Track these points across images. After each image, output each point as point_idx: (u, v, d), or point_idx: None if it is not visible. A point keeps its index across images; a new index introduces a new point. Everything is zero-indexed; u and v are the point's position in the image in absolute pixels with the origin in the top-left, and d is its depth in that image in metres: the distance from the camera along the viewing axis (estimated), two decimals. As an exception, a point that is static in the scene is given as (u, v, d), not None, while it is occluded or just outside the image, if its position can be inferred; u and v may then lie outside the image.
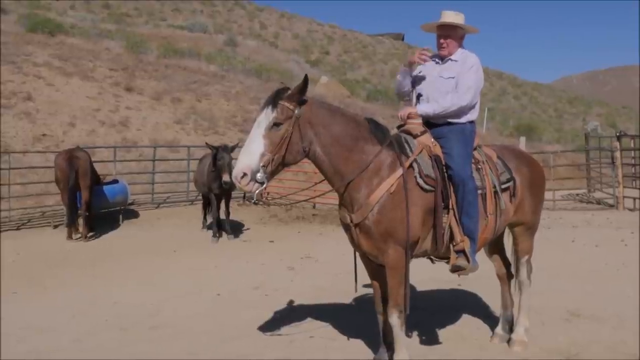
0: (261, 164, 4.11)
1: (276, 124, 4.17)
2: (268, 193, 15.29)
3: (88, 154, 12.47)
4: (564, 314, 6.34)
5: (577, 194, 18.27)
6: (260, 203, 4.26)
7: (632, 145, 17.67)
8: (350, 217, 4.43)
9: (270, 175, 4.21)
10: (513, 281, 5.63)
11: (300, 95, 4.26)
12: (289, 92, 4.27)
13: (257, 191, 4.15)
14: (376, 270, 4.76)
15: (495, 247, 5.68)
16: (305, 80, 4.28)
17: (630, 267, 8.38)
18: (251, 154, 4.13)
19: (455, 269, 4.70)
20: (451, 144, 4.72)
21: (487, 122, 34.50)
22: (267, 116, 4.19)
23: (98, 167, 13.44)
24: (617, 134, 16.41)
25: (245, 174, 4.09)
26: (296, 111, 4.22)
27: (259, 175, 4.10)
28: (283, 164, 4.27)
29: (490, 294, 6.47)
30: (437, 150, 4.66)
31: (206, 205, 13.22)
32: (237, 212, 14.78)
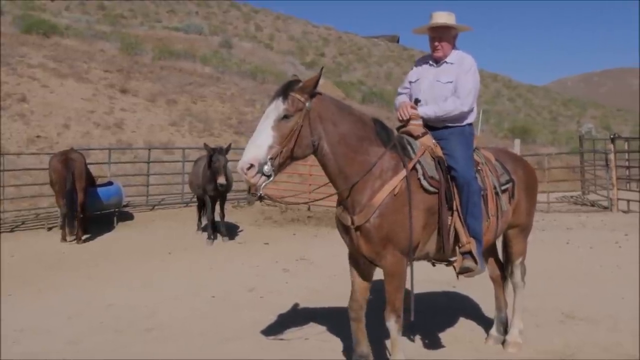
0: (269, 157, 3.96)
1: (286, 116, 4.04)
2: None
3: (83, 155, 12.44)
4: (558, 315, 6.37)
5: (572, 196, 18.36)
6: (265, 198, 4.11)
7: (626, 147, 17.75)
8: (351, 219, 4.35)
9: (278, 168, 4.05)
10: (506, 283, 5.65)
11: (314, 88, 4.16)
12: (302, 84, 4.16)
13: (263, 184, 3.99)
14: (363, 274, 4.71)
15: (489, 250, 5.67)
16: (320, 73, 4.21)
17: (624, 269, 8.42)
18: (259, 146, 3.97)
19: (463, 271, 4.67)
20: (453, 145, 4.70)
21: (481, 124, 34.52)
22: (277, 107, 4.06)
23: (93, 169, 13.43)
24: (612, 137, 16.48)
25: (252, 165, 3.92)
26: (307, 104, 4.11)
27: (266, 168, 3.94)
28: (292, 158, 4.13)
29: (484, 296, 6.49)
30: (439, 152, 4.64)
31: (201, 207, 13.20)
32: (232, 214, 14.78)
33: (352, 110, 4.48)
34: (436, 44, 4.85)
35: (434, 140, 4.69)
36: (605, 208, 15.48)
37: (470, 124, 4.92)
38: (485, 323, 6.08)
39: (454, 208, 4.56)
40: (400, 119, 4.83)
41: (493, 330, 5.66)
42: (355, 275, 4.74)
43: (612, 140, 16.05)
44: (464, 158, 4.67)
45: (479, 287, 6.85)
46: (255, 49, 46.13)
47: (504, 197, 5.00)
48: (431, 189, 4.43)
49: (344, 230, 4.52)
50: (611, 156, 15.65)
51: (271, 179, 3.99)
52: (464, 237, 4.58)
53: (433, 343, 5.61)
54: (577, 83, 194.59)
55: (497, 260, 5.75)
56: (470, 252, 4.60)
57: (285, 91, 4.11)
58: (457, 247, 4.65)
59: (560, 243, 10.85)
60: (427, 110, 4.75)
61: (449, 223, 4.55)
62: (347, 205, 4.38)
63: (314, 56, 55.26)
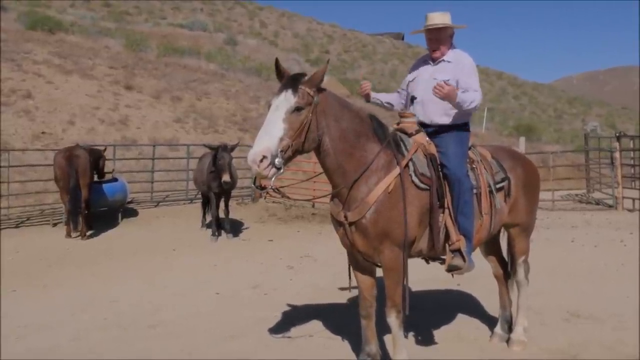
0: (280, 149, 3.92)
1: (298, 108, 4.01)
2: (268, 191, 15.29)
3: (87, 151, 12.45)
4: (563, 314, 6.35)
5: (577, 195, 18.30)
6: (275, 191, 4.07)
7: (631, 145, 17.69)
8: (345, 214, 4.35)
9: (286, 161, 3.99)
10: (510, 281, 5.63)
11: (321, 81, 4.15)
12: (308, 77, 4.14)
13: (274, 177, 3.92)
14: (365, 270, 4.71)
15: (492, 248, 5.68)
16: (327, 65, 4.20)
17: (629, 268, 8.40)
18: (271, 137, 3.90)
19: (451, 269, 4.67)
20: (446, 143, 4.70)
21: (486, 122, 34.51)
22: (287, 99, 4.02)
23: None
24: (617, 135, 16.42)
25: (265, 157, 3.83)
26: (315, 98, 4.09)
27: (277, 160, 3.88)
28: (301, 151, 4.11)
29: (488, 294, 6.47)
30: (432, 149, 4.64)
31: (205, 204, 13.22)
32: (237, 211, 14.79)
33: (350, 106, 4.48)
34: (433, 44, 4.87)
35: (427, 138, 4.70)
36: (610, 206, 15.44)
37: (466, 123, 4.92)
38: (490, 321, 6.06)
39: (446, 205, 4.56)
40: (360, 91, 4.99)
41: (497, 329, 5.65)
42: (358, 273, 4.75)
43: (618, 139, 16.00)
44: (457, 155, 4.67)
45: (483, 286, 6.84)
46: (259, 46, 46.19)
47: (499, 196, 4.99)
48: (422, 185, 4.42)
49: (338, 224, 4.51)
50: (616, 154, 15.60)
51: (281, 171, 3.93)
52: (454, 234, 4.58)
53: (437, 341, 5.60)
54: (582, 81, 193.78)
55: (500, 258, 5.73)
56: (459, 250, 4.59)
57: (295, 83, 4.08)
58: (447, 245, 4.64)
59: (565, 241, 10.83)
60: (464, 97, 4.61)
61: (440, 220, 4.55)
62: (342, 200, 4.38)
63: (318, 53, 55.27)
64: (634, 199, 14.75)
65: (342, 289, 5.17)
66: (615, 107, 75.13)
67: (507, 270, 5.66)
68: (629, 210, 14.65)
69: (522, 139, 21.28)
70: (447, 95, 4.53)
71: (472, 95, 4.66)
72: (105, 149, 13.76)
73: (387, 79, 52.13)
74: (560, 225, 12.90)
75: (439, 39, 4.83)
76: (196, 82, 27.03)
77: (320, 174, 4.56)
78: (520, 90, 67.13)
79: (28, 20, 29.87)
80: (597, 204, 16.38)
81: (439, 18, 4.81)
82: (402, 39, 75.93)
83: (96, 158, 12.86)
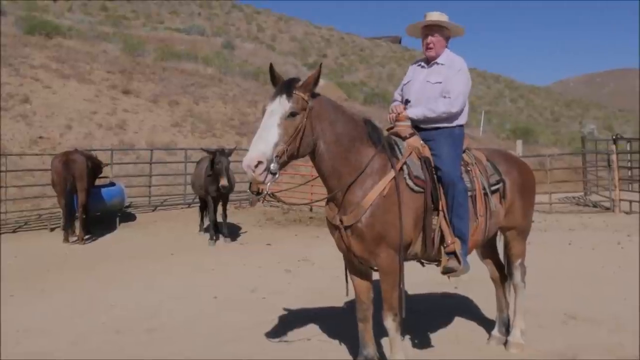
0: (275, 154, 3.93)
1: (292, 114, 4.02)
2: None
3: (85, 157, 12.43)
4: (561, 316, 6.36)
5: (574, 197, 18.36)
6: (270, 197, 4.07)
7: (628, 148, 17.73)
8: (340, 218, 4.36)
9: (281, 166, 4.00)
10: (507, 284, 5.64)
11: (315, 85, 4.16)
12: (302, 82, 4.15)
13: (269, 183, 3.94)
14: (361, 273, 4.72)
15: (489, 251, 5.69)
16: (320, 69, 4.18)
17: (626, 270, 8.41)
18: (266, 143, 3.91)
19: (447, 271, 4.66)
20: (440, 146, 4.70)
21: (483, 125, 34.58)
22: (282, 105, 4.03)
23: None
24: (614, 137, 16.46)
25: (260, 162, 3.84)
26: (310, 102, 4.11)
27: (272, 166, 3.90)
28: (296, 156, 4.12)
29: (486, 297, 6.48)
30: (426, 152, 4.65)
31: (203, 208, 13.22)
32: (234, 214, 14.79)
33: (345, 110, 4.49)
34: (429, 41, 4.85)
35: (421, 141, 4.71)
36: (607, 209, 15.47)
37: (460, 126, 4.91)
38: (487, 324, 6.07)
39: (440, 208, 4.56)
40: (390, 119, 4.87)
41: (495, 331, 5.66)
42: (355, 277, 4.76)
43: (615, 141, 16.05)
44: (451, 158, 4.68)
45: (480, 288, 6.85)
46: (257, 50, 46.18)
47: (494, 198, 5.00)
48: (417, 188, 4.43)
49: (334, 228, 4.52)
50: (613, 157, 15.65)
51: (276, 176, 3.95)
52: (448, 237, 4.58)
53: (434, 344, 5.60)
54: (579, 84, 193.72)
55: (497, 261, 5.74)
56: (454, 253, 4.59)
57: (289, 88, 4.09)
58: (442, 247, 4.64)
59: (562, 244, 10.85)
60: (416, 111, 4.76)
61: (435, 223, 4.55)
62: (337, 204, 4.39)
63: (316, 57, 55.30)
64: (631, 202, 14.79)
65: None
66: (613, 110, 75.40)
67: (504, 273, 5.67)
68: (626, 213, 14.69)
69: (520, 142, 21.32)
70: (400, 118, 4.76)
71: (440, 106, 4.70)
72: (106, 165, 13.79)
73: (385, 82, 52.18)
74: (558, 228, 12.93)
75: (435, 36, 4.84)
76: (194, 86, 27.04)
77: (317, 177, 4.57)
78: (517, 93, 67.27)
79: (26, 25, 29.81)
80: (595, 206, 16.41)
81: (437, 16, 4.83)
82: (400, 42, 76.16)
83: (95, 165, 12.84)
